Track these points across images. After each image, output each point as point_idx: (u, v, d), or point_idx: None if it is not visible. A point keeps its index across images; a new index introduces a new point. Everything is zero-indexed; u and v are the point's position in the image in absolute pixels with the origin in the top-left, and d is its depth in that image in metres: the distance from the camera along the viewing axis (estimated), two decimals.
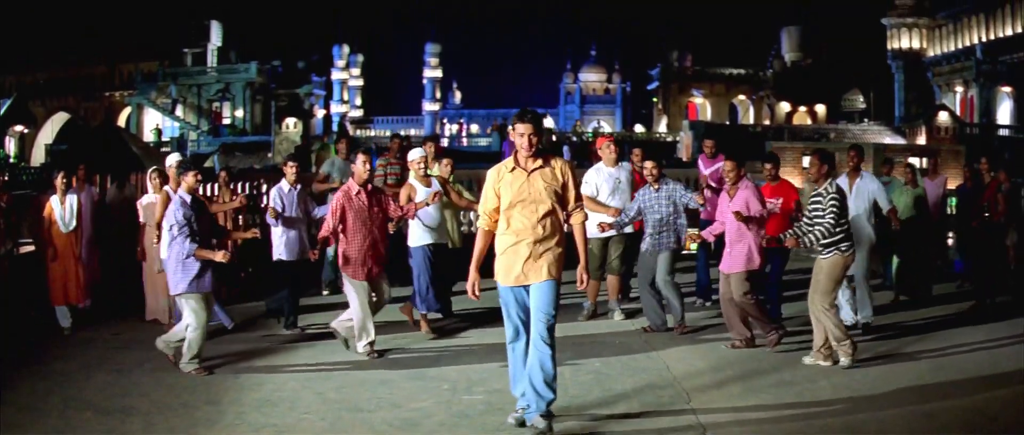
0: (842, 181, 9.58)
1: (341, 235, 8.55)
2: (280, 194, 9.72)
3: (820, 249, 8.00)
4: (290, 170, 9.91)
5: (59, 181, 9.85)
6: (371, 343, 8.53)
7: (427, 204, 9.16)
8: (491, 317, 9.67)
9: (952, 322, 10.21)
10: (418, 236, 9.60)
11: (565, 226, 6.36)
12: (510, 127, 6.39)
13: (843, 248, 7.93)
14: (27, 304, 10.30)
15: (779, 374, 7.74)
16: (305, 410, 6.83)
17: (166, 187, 9.67)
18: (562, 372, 7.34)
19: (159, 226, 9.19)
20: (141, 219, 10.17)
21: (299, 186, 9.95)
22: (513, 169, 6.21)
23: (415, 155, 9.80)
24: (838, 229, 7.89)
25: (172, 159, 10.13)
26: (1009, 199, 12.05)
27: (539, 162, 6.20)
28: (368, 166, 8.68)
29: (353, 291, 8.53)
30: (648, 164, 9.58)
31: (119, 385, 7.57)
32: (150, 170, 10.42)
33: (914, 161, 38.11)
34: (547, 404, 6.05)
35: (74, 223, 9.89)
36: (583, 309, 10.32)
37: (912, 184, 12.06)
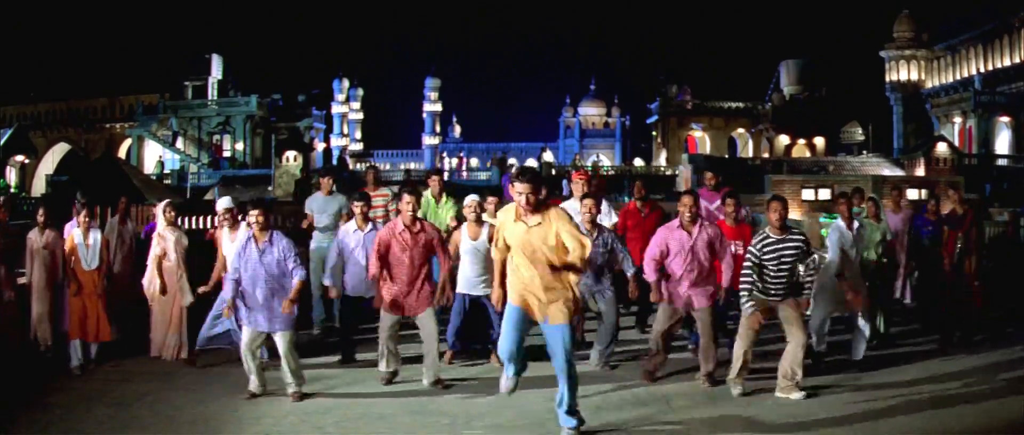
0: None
1: None
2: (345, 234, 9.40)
3: None
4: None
5: (83, 217, 9.60)
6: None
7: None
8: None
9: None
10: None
11: None
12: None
13: None
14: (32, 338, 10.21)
15: (773, 410, 7.74)
16: None
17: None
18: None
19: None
20: (158, 251, 9.66)
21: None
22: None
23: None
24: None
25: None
26: (978, 235, 11.08)
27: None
28: None
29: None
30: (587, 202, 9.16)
31: (118, 418, 7.55)
32: (164, 203, 10.00)
33: (912, 193, 38.37)
34: None
35: (97, 261, 9.56)
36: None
37: (875, 219, 10.69)
